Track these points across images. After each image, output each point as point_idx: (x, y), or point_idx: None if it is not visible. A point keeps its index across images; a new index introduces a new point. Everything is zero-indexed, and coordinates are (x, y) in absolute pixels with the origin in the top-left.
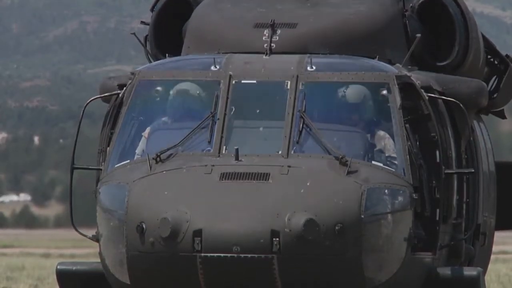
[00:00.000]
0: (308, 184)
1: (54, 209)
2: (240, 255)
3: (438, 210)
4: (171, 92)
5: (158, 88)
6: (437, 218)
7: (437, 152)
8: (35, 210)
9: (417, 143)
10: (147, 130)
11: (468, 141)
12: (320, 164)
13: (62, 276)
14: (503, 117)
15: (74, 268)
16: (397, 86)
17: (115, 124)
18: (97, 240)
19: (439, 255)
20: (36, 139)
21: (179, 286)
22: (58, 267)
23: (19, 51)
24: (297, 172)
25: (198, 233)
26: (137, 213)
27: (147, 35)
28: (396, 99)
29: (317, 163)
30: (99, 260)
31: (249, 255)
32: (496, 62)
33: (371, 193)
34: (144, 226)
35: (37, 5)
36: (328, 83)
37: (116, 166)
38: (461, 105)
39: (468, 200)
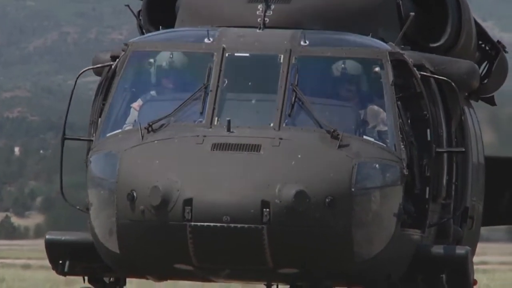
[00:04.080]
0: (299, 156)
1: (34, 220)
2: (230, 225)
3: (428, 188)
4: (163, 64)
5: (151, 59)
6: (427, 196)
7: (428, 131)
8: (15, 220)
9: (409, 121)
10: (138, 102)
11: (459, 122)
12: (312, 137)
13: (51, 245)
14: (493, 103)
15: (62, 238)
16: (389, 63)
17: (107, 95)
18: (87, 210)
19: (428, 233)
20: (16, 150)
21: (168, 255)
22: (47, 236)
23: None
24: (288, 144)
25: (188, 202)
26: (128, 181)
27: (140, 10)
28: (388, 75)
29: (309, 136)
30: (87, 232)
31: (239, 225)
32: (487, 48)
33: (362, 167)
34: (134, 194)
35: (18, 16)
36: (321, 58)
37: (107, 135)
38: (453, 84)
39: (457, 182)
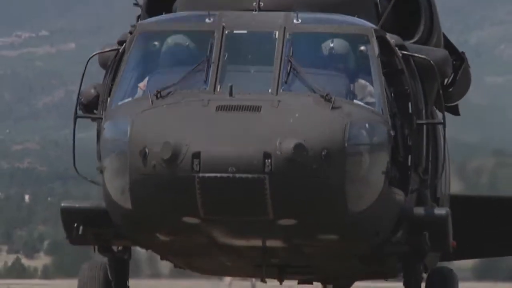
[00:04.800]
0: (296, 115)
1: (42, 261)
2: (235, 175)
3: (410, 157)
4: (169, 42)
5: (157, 39)
6: (409, 164)
7: (410, 104)
8: (25, 261)
9: (392, 95)
10: (144, 81)
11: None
12: (307, 100)
13: (65, 212)
14: (457, 113)
15: (76, 205)
16: (375, 38)
17: (116, 75)
18: (101, 173)
19: (409, 199)
20: (26, 197)
21: (177, 208)
22: (62, 205)
23: (10, 117)
24: (286, 105)
25: (196, 155)
26: (140, 139)
27: (139, 15)
28: (374, 49)
29: (304, 99)
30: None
31: (243, 175)
32: (452, 59)
33: (353, 125)
34: (147, 150)
35: (27, 76)
36: (312, 34)
37: (119, 104)
38: (431, 61)
39: (431, 160)
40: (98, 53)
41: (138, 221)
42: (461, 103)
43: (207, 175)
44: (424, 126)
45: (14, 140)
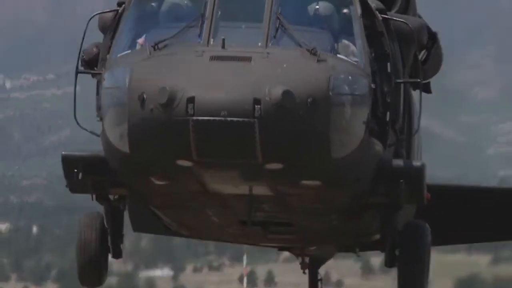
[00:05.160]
0: (284, 65)
1: None
2: (227, 118)
3: (388, 113)
4: (167, 0)
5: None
6: (387, 119)
7: (389, 64)
8: None
9: (372, 55)
10: (143, 38)
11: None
12: (294, 53)
13: (66, 159)
14: (429, 91)
15: (77, 153)
16: (357, 0)
17: (115, 34)
18: (100, 119)
19: (388, 152)
20: (34, 229)
21: (172, 151)
22: (63, 153)
23: (20, 155)
24: (275, 57)
25: (191, 99)
26: (139, 85)
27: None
28: (357, 10)
29: (292, 52)
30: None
31: (234, 119)
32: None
33: (337, 76)
34: (144, 96)
35: (35, 116)
36: None
37: (118, 55)
38: (409, 25)
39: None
40: (99, 13)
41: (135, 164)
42: (438, 139)
43: (200, 118)
44: (402, 86)
45: (23, 176)
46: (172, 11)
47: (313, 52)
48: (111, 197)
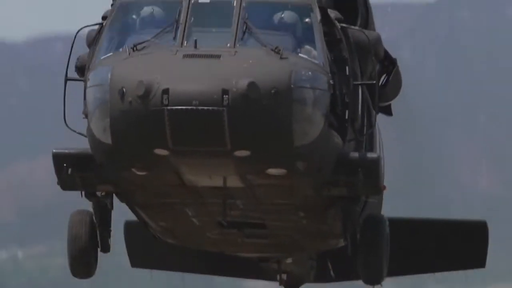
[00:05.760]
0: (250, 61)
1: None
2: (198, 107)
3: (347, 111)
4: (144, 10)
5: (134, 8)
6: (346, 117)
7: (347, 67)
8: None
9: (332, 59)
10: (125, 46)
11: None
12: (260, 51)
13: (56, 157)
14: (390, 114)
15: (66, 151)
16: (317, 8)
17: (98, 42)
18: (86, 117)
19: (347, 147)
20: None
21: (150, 140)
22: (54, 150)
23: None
24: (242, 54)
25: (166, 91)
26: (119, 80)
27: None
28: (317, 16)
29: (257, 51)
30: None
31: (205, 107)
32: (386, 63)
33: (298, 71)
34: (124, 89)
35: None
36: (265, 2)
37: (101, 58)
38: (365, 33)
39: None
40: (85, 27)
41: (117, 155)
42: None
43: (174, 107)
44: (360, 90)
45: None
46: (150, 18)
47: (276, 51)
48: (98, 194)
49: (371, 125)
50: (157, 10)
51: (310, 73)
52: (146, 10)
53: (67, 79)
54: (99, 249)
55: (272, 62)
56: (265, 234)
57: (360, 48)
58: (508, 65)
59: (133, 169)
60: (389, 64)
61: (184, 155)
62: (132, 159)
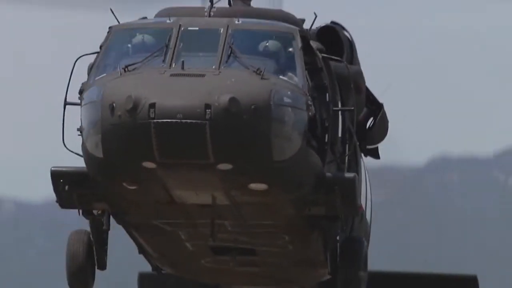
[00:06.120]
0: (233, 80)
1: None
2: (182, 120)
3: (326, 135)
4: (137, 36)
5: (128, 34)
6: (326, 140)
7: (327, 94)
8: None
9: (313, 86)
10: (117, 68)
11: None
12: (242, 72)
13: (54, 175)
14: (377, 157)
15: (64, 169)
16: (299, 36)
17: (93, 66)
18: (80, 133)
19: (327, 168)
20: None
21: (137, 152)
22: (52, 168)
23: None
24: (225, 74)
25: (152, 105)
26: (109, 96)
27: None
28: (298, 43)
29: (240, 72)
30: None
31: (188, 121)
32: (373, 107)
33: (278, 91)
34: (114, 104)
35: None
36: (249, 30)
37: (95, 79)
38: (345, 62)
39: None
40: (84, 55)
41: (108, 168)
42: None
43: (160, 120)
44: (340, 117)
45: None
46: (142, 45)
47: (258, 72)
48: (95, 212)
49: (356, 155)
50: (148, 36)
51: (289, 92)
52: (139, 36)
53: (66, 104)
54: (96, 267)
55: (253, 81)
56: (256, 261)
57: (341, 78)
58: (496, 226)
59: (124, 184)
60: (375, 108)
61: (170, 168)
62: (122, 173)
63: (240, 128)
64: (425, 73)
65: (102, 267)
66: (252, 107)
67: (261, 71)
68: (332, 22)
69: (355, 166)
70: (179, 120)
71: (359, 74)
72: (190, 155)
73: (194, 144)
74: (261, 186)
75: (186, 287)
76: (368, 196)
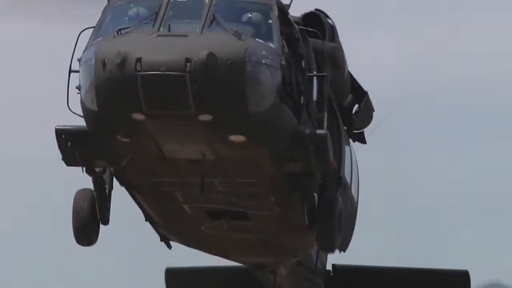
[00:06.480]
0: (212, 39)
1: None
2: (165, 72)
3: (302, 97)
4: (131, 6)
5: (124, 5)
6: (301, 102)
7: (303, 62)
8: None
9: (289, 53)
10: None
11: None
12: (222, 34)
13: (58, 133)
14: (364, 141)
15: (67, 127)
16: (276, 7)
17: (93, 33)
18: (79, 91)
19: (302, 126)
20: None
21: (127, 104)
22: (56, 126)
23: None
24: (206, 35)
25: (139, 59)
26: (102, 53)
27: None
28: (275, 13)
29: (220, 34)
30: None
31: (171, 72)
32: (358, 95)
33: (253, 49)
34: (106, 60)
35: None
36: (232, 0)
37: (93, 42)
38: (319, 33)
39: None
40: (87, 28)
41: (102, 120)
42: None
43: (145, 73)
44: (315, 82)
45: None
46: (135, 15)
47: (236, 34)
48: (97, 170)
49: (338, 122)
50: (142, 8)
51: (263, 52)
52: (133, 8)
53: (70, 71)
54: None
55: (231, 40)
56: (249, 227)
57: (317, 51)
58: None
59: (118, 136)
60: (360, 95)
61: (157, 119)
62: (115, 124)
63: (217, 80)
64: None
65: (105, 222)
66: (228, 61)
67: (239, 34)
68: (316, 9)
69: (338, 139)
70: (162, 73)
71: (336, 50)
72: (174, 106)
73: (177, 95)
74: (240, 138)
75: (210, 280)
76: (354, 174)
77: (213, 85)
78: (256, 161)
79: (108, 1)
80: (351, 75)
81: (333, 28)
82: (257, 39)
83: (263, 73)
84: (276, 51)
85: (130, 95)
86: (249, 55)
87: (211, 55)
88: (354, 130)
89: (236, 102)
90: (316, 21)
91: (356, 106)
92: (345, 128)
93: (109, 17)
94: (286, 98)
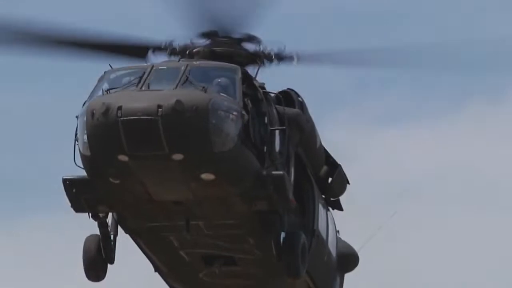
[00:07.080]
0: (182, 92)
1: None
2: (141, 117)
3: (265, 147)
4: (122, 74)
5: (116, 73)
6: (264, 151)
7: (266, 117)
8: None
9: (254, 110)
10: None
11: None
12: (192, 89)
13: (65, 182)
14: (341, 208)
15: (73, 176)
16: (240, 71)
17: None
18: (76, 140)
19: (267, 173)
20: None
21: (112, 147)
22: (64, 176)
23: None
24: (178, 90)
25: (120, 107)
26: (91, 106)
27: None
28: (239, 75)
29: (190, 89)
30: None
31: (146, 117)
32: (330, 167)
33: (216, 100)
34: (94, 111)
35: None
36: (203, 67)
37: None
38: (282, 99)
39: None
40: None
41: (95, 163)
42: None
43: (125, 118)
44: (277, 136)
45: None
46: (126, 78)
47: (202, 89)
48: (100, 215)
49: (312, 186)
50: (131, 77)
51: (225, 103)
52: (124, 73)
53: (76, 134)
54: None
55: (198, 93)
56: (238, 272)
57: (279, 114)
58: None
59: (110, 178)
60: (332, 167)
61: (139, 160)
62: (105, 166)
63: (185, 123)
64: None
65: (110, 261)
66: (194, 107)
67: (205, 88)
68: (289, 89)
69: (312, 197)
70: (138, 117)
71: (298, 115)
72: (151, 147)
73: (152, 136)
74: (210, 176)
75: None
76: (332, 234)
77: (181, 127)
78: (228, 200)
79: (104, 72)
80: (324, 148)
81: (302, 103)
82: (221, 93)
83: (224, 119)
84: (237, 103)
85: (114, 138)
86: (212, 104)
87: (178, 101)
88: (331, 198)
89: (202, 142)
90: (289, 98)
91: (331, 179)
92: (323, 196)
93: (102, 84)
94: (249, 144)
